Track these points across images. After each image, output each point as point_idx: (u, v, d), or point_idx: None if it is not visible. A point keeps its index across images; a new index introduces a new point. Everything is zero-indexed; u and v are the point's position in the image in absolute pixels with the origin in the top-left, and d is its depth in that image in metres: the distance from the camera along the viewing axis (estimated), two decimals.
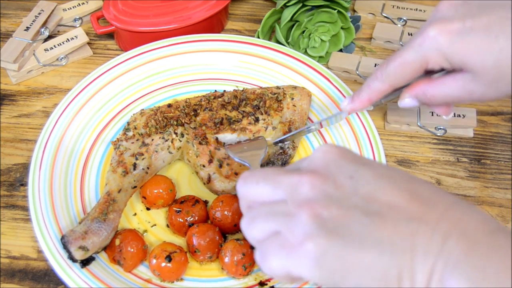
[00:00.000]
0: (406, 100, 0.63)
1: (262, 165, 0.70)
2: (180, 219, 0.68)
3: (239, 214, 0.67)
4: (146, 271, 0.66)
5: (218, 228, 0.67)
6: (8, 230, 0.71)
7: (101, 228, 0.63)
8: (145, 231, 0.70)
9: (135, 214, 0.71)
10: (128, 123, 0.73)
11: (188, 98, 0.76)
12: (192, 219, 0.68)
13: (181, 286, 0.65)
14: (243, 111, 0.74)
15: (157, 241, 0.69)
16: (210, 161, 0.71)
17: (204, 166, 0.71)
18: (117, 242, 0.65)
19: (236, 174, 0.70)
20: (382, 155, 0.72)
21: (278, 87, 0.77)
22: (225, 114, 0.73)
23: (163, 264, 0.63)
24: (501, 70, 0.55)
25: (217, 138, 0.72)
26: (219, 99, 0.75)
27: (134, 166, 0.69)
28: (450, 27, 0.56)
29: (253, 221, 0.49)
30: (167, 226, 0.70)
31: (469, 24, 0.55)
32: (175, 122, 0.72)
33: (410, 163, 0.77)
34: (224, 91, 0.78)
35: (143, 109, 0.75)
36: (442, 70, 0.61)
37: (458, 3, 0.58)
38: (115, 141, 0.72)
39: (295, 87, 0.77)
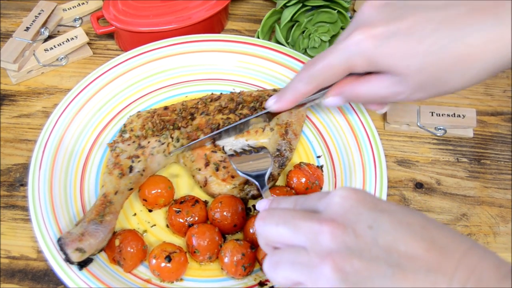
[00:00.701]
0: (331, 99, 0.64)
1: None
2: (180, 219, 0.68)
3: (238, 215, 0.67)
4: (146, 271, 0.66)
5: (218, 229, 0.67)
6: (8, 230, 0.71)
7: (98, 230, 0.63)
8: (145, 231, 0.70)
9: (134, 215, 0.71)
10: (125, 125, 0.73)
11: (185, 101, 0.76)
12: (192, 219, 0.68)
13: (181, 286, 0.65)
14: (240, 114, 0.73)
15: (156, 241, 0.69)
16: (207, 165, 0.70)
17: (200, 169, 0.70)
18: (117, 242, 0.65)
19: (233, 177, 0.70)
20: (382, 155, 0.72)
21: (275, 90, 0.77)
22: (222, 119, 0.73)
23: (163, 264, 0.63)
24: (427, 73, 0.55)
25: (214, 141, 0.72)
26: (216, 103, 0.75)
27: (130, 168, 0.69)
28: (373, 32, 0.56)
29: (277, 266, 0.50)
30: (167, 226, 0.70)
31: (392, 28, 0.55)
32: (171, 126, 0.72)
33: (410, 163, 0.77)
34: (221, 93, 0.77)
35: (139, 111, 0.75)
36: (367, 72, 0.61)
37: (381, 4, 0.58)
38: (112, 143, 0.72)
39: None
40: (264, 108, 0.72)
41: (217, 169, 0.70)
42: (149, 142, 0.71)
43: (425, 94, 0.59)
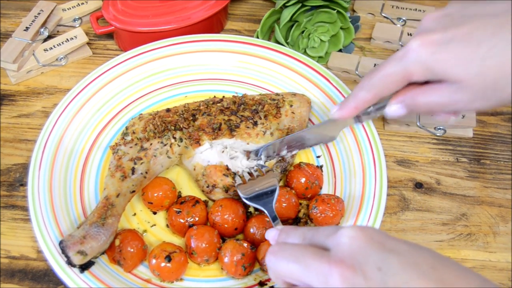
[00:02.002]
0: (394, 107, 0.63)
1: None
2: (181, 220, 0.68)
3: (239, 218, 0.67)
4: (146, 271, 0.66)
5: (218, 232, 0.67)
6: (7, 230, 0.71)
7: (100, 232, 0.63)
8: (145, 231, 0.70)
9: (134, 214, 0.71)
10: (127, 128, 0.73)
11: (187, 103, 0.76)
12: (192, 219, 0.68)
13: (181, 286, 0.65)
14: (242, 116, 0.73)
15: (156, 241, 0.69)
16: (214, 186, 0.70)
17: (208, 186, 0.70)
18: (117, 242, 0.65)
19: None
20: (382, 155, 0.72)
21: (277, 94, 0.77)
22: (223, 119, 0.73)
23: (163, 264, 0.63)
24: (486, 78, 0.55)
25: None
26: (218, 104, 0.75)
27: (133, 170, 0.69)
28: (431, 38, 0.56)
29: None
30: (167, 226, 0.70)
31: (449, 34, 0.55)
32: (173, 127, 0.72)
33: (410, 163, 0.77)
34: (223, 96, 0.77)
35: (141, 114, 0.75)
36: (427, 81, 0.61)
37: (440, 15, 0.58)
38: (114, 145, 0.72)
39: (294, 94, 0.77)
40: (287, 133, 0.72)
41: (226, 191, 0.70)
42: (151, 144, 0.71)
43: (485, 102, 0.57)
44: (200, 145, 0.71)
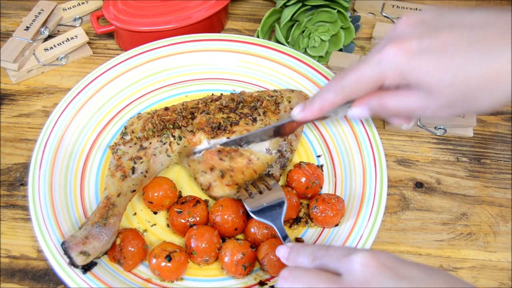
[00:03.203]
0: (356, 109, 0.63)
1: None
2: (182, 220, 0.68)
3: (239, 218, 0.67)
4: (146, 270, 0.66)
5: (218, 232, 0.67)
6: (8, 229, 0.71)
7: (102, 232, 0.63)
8: (145, 230, 0.70)
9: (135, 214, 0.71)
10: (125, 127, 0.73)
11: (185, 101, 0.76)
12: (193, 219, 0.68)
13: (181, 285, 0.65)
14: (241, 113, 0.73)
15: (157, 240, 0.69)
16: (212, 169, 0.70)
17: (205, 172, 0.70)
18: (118, 241, 0.65)
19: (237, 184, 0.70)
20: (382, 154, 0.72)
21: (275, 91, 0.77)
22: (222, 118, 0.73)
23: (163, 264, 0.63)
24: (457, 89, 0.55)
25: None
26: (217, 102, 0.75)
27: (133, 170, 0.68)
28: (407, 46, 0.56)
29: None
30: (167, 226, 0.70)
31: (426, 43, 0.56)
32: (171, 126, 0.72)
33: (410, 163, 0.77)
34: (222, 94, 0.77)
35: (140, 113, 0.75)
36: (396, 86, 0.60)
37: (416, 21, 0.58)
38: (113, 145, 0.72)
39: (292, 91, 0.77)
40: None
41: (222, 176, 0.69)
42: (150, 143, 0.71)
43: (452, 110, 0.58)
44: (198, 143, 0.71)
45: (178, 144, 0.71)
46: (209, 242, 0.65)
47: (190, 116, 0.73)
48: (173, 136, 0.71)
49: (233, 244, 0.64)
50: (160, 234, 0.70)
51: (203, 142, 0.71)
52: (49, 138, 0.73)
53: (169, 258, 0.63)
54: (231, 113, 0.73)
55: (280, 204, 0.66)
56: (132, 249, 0.65)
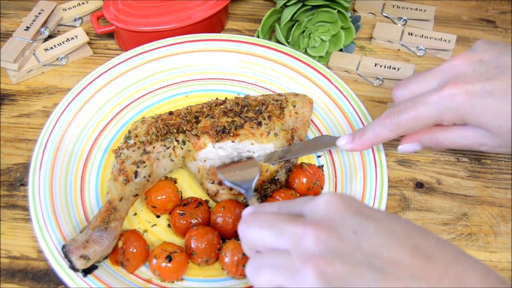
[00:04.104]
0: (410, 146, 0.64)
1: (258, 189, 0.70)
2: (184, 222, 0.67)
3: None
4: (146, 271, 0.66)
5: (218, 232, 0.67)
6: (8, 230, 0.71)
7: (103, 236, 0.63)
8: (145, 231, 0.70)
9: (135, 214, 0.71)
10: (129, 131, 0.73)
11: (190, 106, 0.75)
12: (196, 221, 0.67)
13: (181, 286, 0.65)
14: (246, 116, 0.73)
15: (157, 241, 0.69)
16: (221, 183, 0.70)
17: (213, 182, 0.70)
18: (120, 244, 0.65)
19: None
20: (382, 154, 0.72)
21: (279, 94, 0.77)
22: (227, 121, 0.73)
23: (164, 264, 0.63)
24: None
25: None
26: (221, 106, 0.74)
27: (136, 174, 0.68)
28: (469, 88, 0.56)
29: (259, 270, 0.50)
30: (168, 226, 0.70)
31: (488, 87, 0.56)
32: (175, 130, 0.72)
33: (411, 163, 0.77)
34: (226, 98, 0.77)
35: (144, 117, 0.75)
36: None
37: (475, 61, 0.58)
38: (116, 149, 0.72)
39: (296, 95, 0.77)
40: (292, 136, 0.72)
41: (231, 188, 0.69)
42: (154, 147, 0.70)
43: (509, 149, 0.59)
44: (203, 147, 0.71)
45: (182, 148, 0.71)
46: (209, 242, 0.65)
47: (194, 120, 0.73)
48: (177, 141, 0.71)
49: (234, 244, 0.64)
50: (160, 234, 0.70)
51: (208, 146, 0.71)
52: (49, 138, 0.73)
53: (169, 258, 0.63)
54: (236, 116, 0.73)
55: (253, 171, 0.67)
56: (135, 251, 0.64)
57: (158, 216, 0.71)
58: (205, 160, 0.71)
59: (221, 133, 0.71)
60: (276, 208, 0.53)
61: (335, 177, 0.74)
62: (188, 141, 0.71)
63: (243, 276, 0.65)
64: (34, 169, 0.70)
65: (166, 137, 0.71)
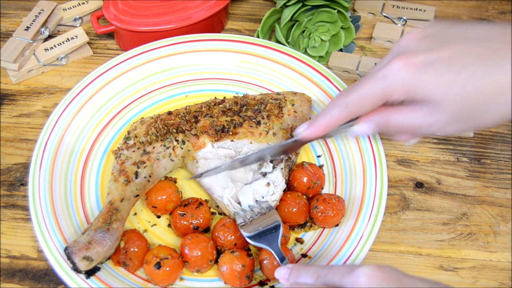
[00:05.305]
0: (362, 126, 0.62)
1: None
2: (185, 222, 0.67)
3: (241, 239, 0.66)
4: None
5: (217, 245, 0.66)
6: (8, 229, 0.71)
7: (105, 237, 0.62)
8: (145, 231, 0.70)
9: (135, 214, 0.71)
10: (129, 132, 0.73)
11: (189, 105, 0.75)
12: (197, 221, 0.67)
13: (181, 286, 0.65)
14: (245, 115, 0.73)
15: (157, 240, 0.69)
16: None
17: (222, 197, 0.69)
18: (122, 244, 0.65)
19: None
20: (382, 154, 0.72)
21: (278, 93, 0.77)
22: (226, 121, 0.73)
23: (154, 270, 0.63)
24: (463, 103, 0.55)
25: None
26: (220, 106, 0.74)
27: (136, 174, 0.68)
28: (413, 60, 0.56)
29: None
30: (168, 226, 0.70)
31: (432, 57, 0.55)
32: (175, 130, 0.72)
33: (410, 163, 0.77)
34: (225, 97, 0.77)
35: (143, 118, 0.75)
36: (402, 102, 0.60)
37: (421, 36, 0.58)
38: (116, 150, 0.72)
39: (295, 93, 0.77)
40: (291, 134, 0.71)
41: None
42: (154, 147, 0.70)
43: (459, 126, 0.58)
44: (202, 147, 0.71)
45: (182, 148, 0.71)
46: (203, 254, 0.64)
47: (193, 120, 0.73)
48: (177, 141, 0.71)
49: (231, 258, 0.63)
50: (160, 234, 0.70)
51: (207, 145, 0.71)
52: (49, 138, 0.73)
53: (158, 265, 0.62)
54: (235, 115, 0.73)
55: (276, 228, 0.65)
56: (137, 250, 0.64)
57: (158, 217, 0.71)
58: (205, 160, 0.71)
59: (220, 132, 0.71)
60: (313, 277, 0.54)
61: (335, 177, 0.74)
62: (188, 140, 0.71)
63: (248, 282, 0.64)
64: (34, 169, 0.70)
65: (166, 137, 0.71)
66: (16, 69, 0.84)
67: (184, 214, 0.67)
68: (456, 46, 0.55)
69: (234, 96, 0.77)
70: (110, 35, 0.91)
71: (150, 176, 0.69)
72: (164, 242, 0.69)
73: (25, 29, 0.87)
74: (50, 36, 0.90)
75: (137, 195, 0.68)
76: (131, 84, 0.81)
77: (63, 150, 0.73)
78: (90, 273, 0.63)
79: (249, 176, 0.71)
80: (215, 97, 0.78)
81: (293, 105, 0.75)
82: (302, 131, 0.65)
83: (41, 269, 0.68)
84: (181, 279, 0.66)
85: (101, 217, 0.64)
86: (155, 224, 0.70)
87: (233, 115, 0.73)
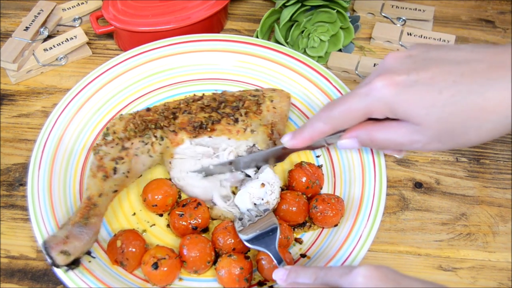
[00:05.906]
0: (347, 141, 0.64)
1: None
2: (184, 223, 0.67)
3: (240, 244, 0.66)
4: None
5: (215, 248, 0.66)
6: (7, 230, 0.71)
7: (83, 232, 0.63)
8: (144, 231, 0.70)
9: (134, 214, 0.71)
10: (107, 128, 0.73)
11: (167, 102, 0.76)
12: (195, 221, 0.67)
13: (180, 286, 0.65)
14: (223, 112, 0.73)
15: (156, 241, 0.69)
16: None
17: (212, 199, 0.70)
18: (119, 243, 0.65)
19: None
20: (381, 154, 0.72)
21: (257, 90, 0.77)
22: (204, 117, 0.73)
23: (151, 270, 0.63)
24: (445, 123, 0.56)
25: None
26: (198, 102, 0.75)
27: (115, 170, 0.68)
28: (395, 79, 0.57)
29: None
30: (167, 226, 0.70)
31: (413, 77, 0.56)
32: (153, 126, 0.72)
33: (409, 163, 0.77)
34: (203, 94, 0.77)
35: (122, 114, 0.75)
36: (385, 118, 0.61)
37: (404, 56, 0.59)
38: (95, 146, 0.72)
39: (274, 90, 0.78)
40: (279, 141, 0.71)
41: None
42: (132, 143, 0.70)
43: (441, 145, 0.59)
44: (180, 143, 0.71)
45: (160, 144, 0.71)
46: (201, 254, 0.64)
47: (172, 116, 0.73)
48: (155, 137, 0.71)
49: (229, 261, 0.63)
50: (159, 234, 0.70)
51: (185, 142, 0.71)
52: (48, 138, 0.73)
53: (155, 265, 0.62)
54: (213, 112, 0.73)
55: (273, 230, 0.65)
56: (134, 250, 0.64)
57: (161, 215, 0.71)
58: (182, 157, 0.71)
59: (198, 129, 0.71)
60: (311, 278, 0.54)
61: (334, 177, 0.74)
62: (166, 137, 0.71)
63: (247, 285, 0.64)
64: (33, 169, 0.70)
65: (144, 133, 0.71)
66: (15, 69, 0.84)
67: (183, 214, 0.67)
68: (438, 67, 0.56)
69: (213, 93, 0.77)
70: (109, 35, 0.91)
71: (128, 172, 0.69)
72: (164, 242, 0.69)
73: (25, 29, 0.87)
74: (49, 36, 0.90)
75: (116, 191, 0.68)
76: (131, 85, 0.81)
77: (62, 150, 0.73)
78: (70, 267, 0.62)
79: (237, 173, 0.72)
80: (194, 94, 0.78)
81: (272, 101, 0.75)
82: (287, 141, 0.67)
83: (40, 269, 0.68)
84: (180, 279, 0.66)
85: (79, 212, 0.65)
86: (154, 224, 0.70)
87: (211, 112, 0.74)
